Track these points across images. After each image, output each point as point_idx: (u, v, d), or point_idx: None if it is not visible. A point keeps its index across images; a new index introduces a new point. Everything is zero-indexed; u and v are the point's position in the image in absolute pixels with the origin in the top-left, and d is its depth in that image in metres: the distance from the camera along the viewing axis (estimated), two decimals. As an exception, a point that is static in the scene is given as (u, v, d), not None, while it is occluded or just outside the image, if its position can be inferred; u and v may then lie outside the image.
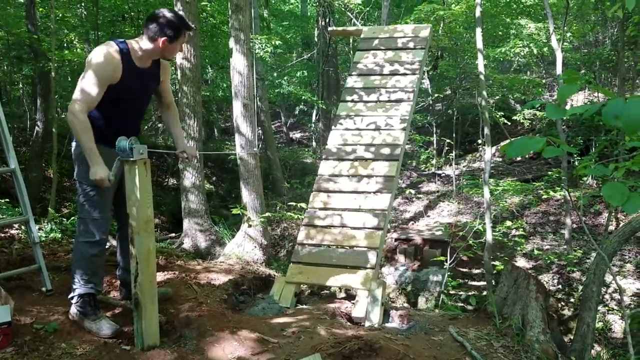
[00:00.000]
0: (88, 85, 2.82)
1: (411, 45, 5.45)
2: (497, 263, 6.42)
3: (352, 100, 5.17)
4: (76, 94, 2.82)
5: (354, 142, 4.86)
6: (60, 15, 10.90)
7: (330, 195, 4.58)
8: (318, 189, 4.66)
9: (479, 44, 5.87)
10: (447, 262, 6.38)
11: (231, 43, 6.22)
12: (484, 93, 6.05)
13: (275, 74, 15.15)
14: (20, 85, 13.87)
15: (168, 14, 2.95)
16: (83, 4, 12.17)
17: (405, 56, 5.37)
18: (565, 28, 7.82)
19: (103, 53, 2.86)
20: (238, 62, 6.17)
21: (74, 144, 3.01)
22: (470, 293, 6.72)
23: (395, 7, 15.36)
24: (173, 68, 7.89)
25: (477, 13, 5.88)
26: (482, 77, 5.76)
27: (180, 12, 6.61)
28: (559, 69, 6.33)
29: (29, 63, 9.99)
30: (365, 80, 5.30)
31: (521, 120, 11.55)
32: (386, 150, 4.69)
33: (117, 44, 2.93)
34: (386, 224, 4.35)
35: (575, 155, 9.03)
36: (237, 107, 6.31)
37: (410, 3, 14.80)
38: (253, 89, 6.32)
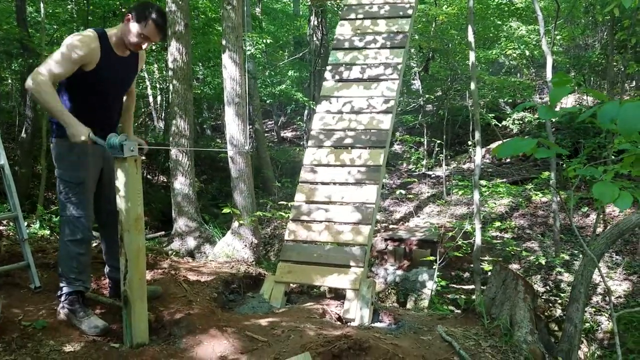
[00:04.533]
0: (57, 58, 2.74)
1: (396, 12, 5.07)
2: (485, 264, 6.47)
3: (336, 80, 4.86)
4: (42, 65, 2.73)
5: (337, 127, 4.58)
6: (51, 10, 10.81)
7: (315, 188, 4.43)
8: (303, 180, 4.48)
9: (470, 37, 5.78)
10: (436, 262, 6.42)
11: (223, 41, 6.20)
12: (476, 95, 6.08)
13: (267, 73, 15.13)
14: (9, 81, 13.72)
15: (150, 2, 2.95)
16: (73, 0, 12.07)
17: (390, 27, 4.99)
18: (555, 31, 7.88)
19: (81, 34, 2.85)
20: (229, 61, 6.15)
21: (53, 140, 2.97)
22: (459, 293, 6.76)
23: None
24: (164, 65, 7.85)
25: (470, 2, 5.86)
26: (473, 85, 5.74)
27: (172, 7, 6.58)
28: (549, 72, 6.39)
29: (18, 59, 9.89)
30: (349, 56, 4.95)
31: (510, 125, 11.65)
32: (371, 137, 4.45)
33: (95, 30, 2.92)
34: (374, 218, 4.25)
35: (564, 158, 9.12)
36: (228, 106, 6.30)
37: None
38: (244, 87, 6.30)
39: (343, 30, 5.14)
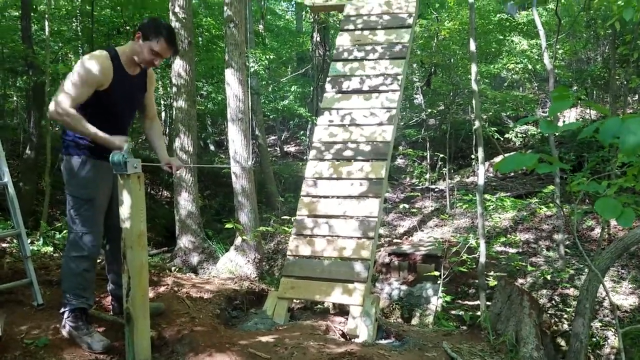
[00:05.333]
0: (75, 82, 2.78)
1: (396, 23, 5.02)
2: (490, 279, 6.42)
3: (336, 91, 4.82)
4: (62, 91, 2.77)
5: (338, 139, 4.55)
6: (56, 28, 10.93)
7: (317, 201, 4.38)
8: (305, 193, 4.44)
9: (472, 47, 5.71)
10: (440, 277, 6.37)
11: (226, 58, 6.25)
12: (478, 109, 6.08)
13: (270, 89, 15.22)
14: (15, 98, 13.84)
15: (155, 18, 3.02)
16: (79, 18, 12.21)
17: (390, 37, 4.97)
18: (557, 46, 7.92)
19: (95, 56, 2.88)
20: (232, 78, 6.19)
21: (64, 157, 2.99)
22: (464, 309, 6.71)
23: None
24: (168, 82, 7.91)
25: (472, 16, 5.88)
26: (475, 96, 5.72)
27: (176, 25, 6.65)
28: (551, 86, 6.40)
29: (23, 76, 9.99)
30: (348, 67, 4.92)
31: (513, 138, 11.65)
32: (373, 149, 4.42)
33: (107, 50, 2.95)
34: (376, 233, 4.20)
35: (568, 171, 9.10)
36: (232, 122, 6.33)
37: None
38: (247, 103, 6.33)
39: (342, 41, 5.11)
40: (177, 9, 6.66)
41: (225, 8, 6.20)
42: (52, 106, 2.76)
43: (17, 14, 10.90)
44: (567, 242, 7.69)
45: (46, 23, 7.52)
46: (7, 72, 11.36)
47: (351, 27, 5.16)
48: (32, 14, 9.76)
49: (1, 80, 12.19)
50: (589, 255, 7.18)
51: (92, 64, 2.82)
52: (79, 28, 12.23)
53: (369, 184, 4.31)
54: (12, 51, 10.04)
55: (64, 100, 2.74)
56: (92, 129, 2.78)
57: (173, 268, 6.10)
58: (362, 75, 4.83)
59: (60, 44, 11.80)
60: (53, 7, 10.18)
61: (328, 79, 4.94)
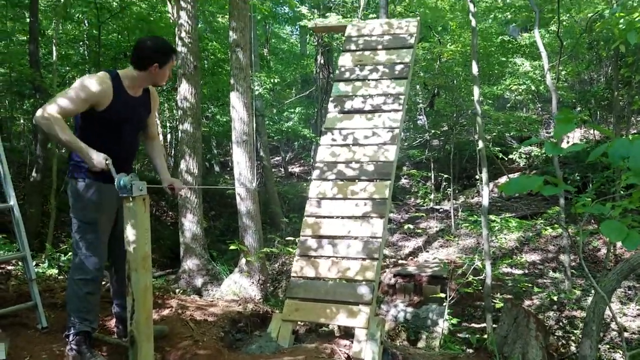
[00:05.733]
0: (69, 93, 2.80)
1: (398, 44, 5.04)
2: (497, 300, 6.37)
3: (339, 111, 4.82)
4: (53, 99, 2.78)
5: (341, 159, 4.54)
6: (63, 52, 11.10)
7: (321, 222, 4.35)
8: (308, 213, 4.41)
9: (475, 70, 5.74)
10: (446, 299, 6.33)
11: (231, 82, 6.32)
12: (482, 131, 6.11)
13: (274, 110, 15.35)
14: (21, 121, 13.98)
15: (152, 42, 3.01)
16: (86, 42, 12.41)
17: (391, 57, 4.98)
18: (560, 67, 7.97)
19: (95, 75, 2.93)
20: (238, 101, 6.25)
21: (70, 180, 3.01)
22: (470, 331, 6.64)
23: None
24: (174, 104, 7.98)
25: (474, 40, 5.92)
26: (478, 119, 5.74)
27: (183, 50, 6.75)
28: (554, 108, 6.43)
29: (30, 99, 10.11)
30: (350, 87, 4.93)
31: (517, 159, 11.65)
32: (376, 168, 4.40)
33: (108, 71, 2.99)
34: (381, 253, 4.17)
35: (573, 192, 9.07)
36: (237, 145, 6.37)
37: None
38: (252, 126, 6.39)
39: (344, 61, 5.13)
40: (183, 34, 6.77)
41: (230, 33, 6.29)
42: (37, 113, 2.74)
43: (24, 38, 11.10)
44: (573, 264, 7.63)
45: (54, 48, 7.64)
46: (15, 96, 11.50)
47: (353, 47, 5.19)
48: (39, 39, 9.94)
49: (8, 103, 12.35)
50: (595, 276, 7.13)
51: (91, 81, 2.86)
52: (86, 52, 12.43)
53: (372, 204, 4.29)
54: (19, 75, 10.17)
55: (51, 105, 2.74)
56: (73, 137, 2.76)
57: (177, 290, 6.09)
58: (364, 95, 4.84)
59: (67, 68, 11.97)
60: (60, 32, 10.35)
61: (331, 99, 4.94)
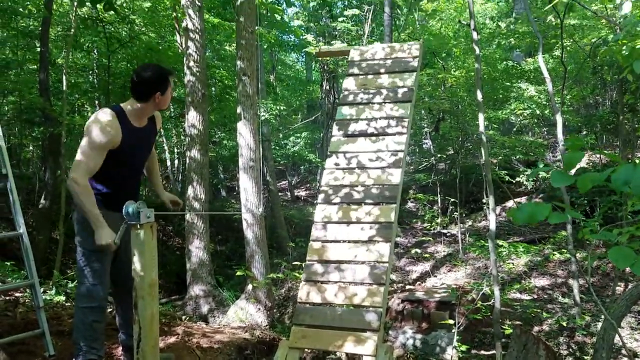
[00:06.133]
0: (88, 151, 2.86)
1: (401, 67, 5.03)
2: (506, 327, 6.30)
3: (343, 134, 4.78)
4: (76, 161, 2.86)
5: (345, 182, 4.51)
6: (73, 80, 11.29)
7: (327, 246, 4.31)
8: (314, 238, 4.37)
9: (479, 97, 5.74)
10: (455, 325, 6.26)
11: (238, 109, 6.41)
12: (487, 159, 6.12)
13: (280, 135, 15.47)
14: (30, 148, 14.16)
15: (149, 72, 3.03)
16: (95, 71, 12.62)
17: (395, 80, 4.97)
18: (564, 92, 8.01)
19: (101, 119, 2.93)
20: (245, 128, 6.32)
21: (75, 208, 3.04)
22: (480, 358, 6.55)
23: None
24: (182, 131, 8.06)
25: (478, 66, 5.96)
26: (484, 146, 5.73)
27: (191, 79, 6.86)
28: (559, 133, 6.44)
29: (40, 127, 10.26)
30: (354, 110, 4.91)
31: (524, 182, 11.63)
32: (381, 192, 4.37)
33: (111, 108, 3.02)
34: (388, 278, 4.11)
35: (581, 216, 9.02)
36: (243, 170, 6.42)
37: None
38: (259, 152, 6.44)
39: (348, 85, 5.13)
40: (191, 64, 6.89)
41: (238, 62, 6.40)
42: (70, 180, 2.84)
43: (35, 67, 11.32)
44: (583, 288, 7.55)
45: (64, 78, 7.79)
46: (24, 123, 11.67)
47: (356, 71, 5.19)
48: (49, 67, 10.14)
49: (18, 131, 12.53)
50: (604, 302, 7.04)
51: (101, 129, 2.89)
52: (95, 80, 12.63)
53: (378, 228, 4.25)
54: (29, 103, 10.34)
55: (79, 173, 2.83)
56: (95, 209, 2.84)
57: (183, 317, 6.07)
58: (368, 118, 4.82)
59: (76, 95, 12.15)
60: (70, 61, 10.56)
61: (335, 122, 4.95)
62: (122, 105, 3.07)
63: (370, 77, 5.11)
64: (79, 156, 2.88)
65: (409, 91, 4.89)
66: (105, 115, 2.96)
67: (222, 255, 12.46)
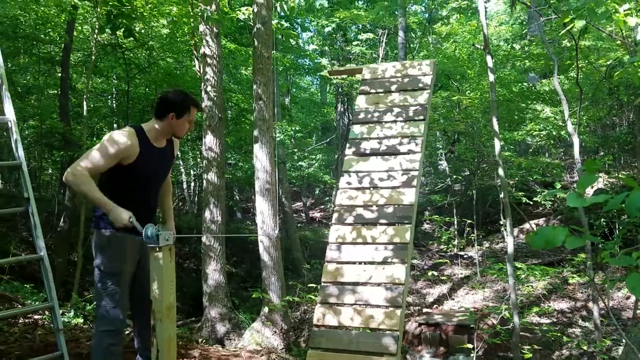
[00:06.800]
0: (96, 152, 2.91)
1: (413, 85, 5.02)
2: (526, 351, 6.18)
3: (356, 154, 4.76)
4: (83, 157, 2.90)
5: (359, 202, 4.48)
6: (92, 105, 11.54)
7: (342, 267, 4.27)
8: (329, 259, 4.34)
9: (495, 126, 5.73)
10: (474, 349, 6.17)
11: (255, 132, 6.48)
12: (503, 176, 6.09)
13: (295, 157, 15.57)
14: (50, 171, 14.41)
15: (173, 94, 3.16)
16: (114, 96, 12.89)
17: (407, 99, 4.94)
18: (581, 113, 7.97)
19: (120, 131, 3.03)
20: (261, 151, 6.39)
21: (94, 231, 3.06)
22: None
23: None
24: (198, 153, 8.15)
25: (492, 95, 5.96)
26: (501, 170, 5.67)
27: (208, 103, 6.98)
28: (576, 154, 6.41)
29: (60, 151, 10.47)
30: (367, 129, 4.89)
31: (542, 202, 11.50)
32: (395, 212, 4.32)
33: (132, 126, 3.10)
34: (404, 300, 4.07)
35: (599, 237, 8.89)
36: (260, 193, 6.46)
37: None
38: (275, 174, 6.49)
39: (360, 103, 5.12)
40: (209, 89, 7.02)
41: (254, 86, 6.50)
42: (67, 172, 2.86)
43: (55, 92, 11.60)
44: (603, 312, 7.40)
45: (84, 103, 7.98)
46: (44, 147, 11.92)
47: (367, 89, 5.18)
48: (69, 92, 10.39)
49: (37, 154, 12.78)
50: (625, 326, 6.89)
51: (119, 137, 2.96)
52: (114, 104, 12.89)
53: (393, 249, 4.20)
54: (50, 127, 10.57)
55: (81, 164, 2.86)
56: (98, 193, 2.84)
57: (200, 339, 6.07)
58: (380, 136, 4.79)
59: (95, 119, 12.40)
60: (90, 86, 10.81)
61: (348, 142, 4.93)
62: (143, 125, 3.16)
63: (381, 95, 5.09)
64: (84, 154, 2.93)
65: (422, 109, 4.84)
66: (125, 129, 3.07)
67: (238, 277, 12.46)
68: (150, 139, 3.10)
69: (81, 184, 2.83)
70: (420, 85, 5.02)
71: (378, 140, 4.80)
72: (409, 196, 4.40)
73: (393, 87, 5.09)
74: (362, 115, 5.04)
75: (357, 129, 4.97)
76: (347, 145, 4.92)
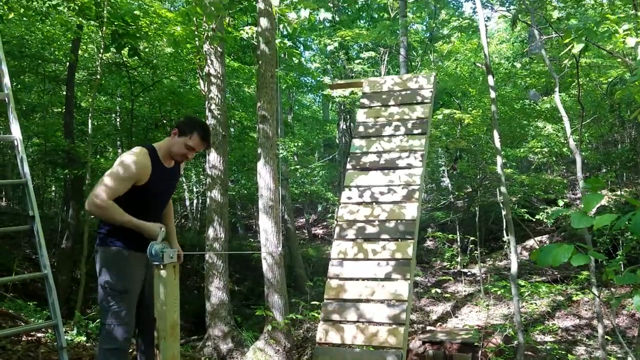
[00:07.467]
0: (113, 177, 2.93)
1: (412, 98, 5.01)
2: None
3: (357, 167, 4.75)
4: (101, 184, 2.92)
5: (360, 217, 4.44)
6: (96, 123, 11.62)
7: (344, 284, 4.23)
8: (331, 275, 4.30)
9: (497, 142, 5.79)
10: (477, 367, 6.12)
11: (258, 150, 6.51)
12: (506, 193, 6.10)
13: (298, 174, 15.61)
14: (53, 188, 14.46)
15: (193, 117, 3.27)
16: (119, 114, 12.98)
17: (408, 113, 4.93)
18: (582, 130, 8.00)
19: (135, 153, 3.03)
20: (264, 169, 6.41)
21: (99, 248, 3.05)
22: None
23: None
24: (201, 170, 8.18)
25: (494, 108, 6.00)
26: (503, 188, 5.71)
27: (212, 122, 7.03)
28: (579, 171, 6.42)
29: (65, 169, 10.52)
30: (367, 142, 4.87)
31: (545, 220, 11.49)
32: (397, 226, 4.29)
33: (145, 147, 3.11)
34: (407, 318, 4.03)
35: (603, 254, 8.84)
36: (263, 210, 6.47)
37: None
38: (278, 192, 6.51)
39: (361, 118, 5.11)
40: (213, 107, 7.08)
41: (258, 104, 6.55)
42: (90, 198, 2.89)
43: (60, 110, 11.69)
44: (608, 329, 7.35)
45: (89, 121, 8.04)
46: (48, 164, 11.98)
47: (368, 103, 5.19)
48: (74, 111, 10.47)
49: (41, 172, 12.84)
50: (630, 344, 6.84)
51: (132, 160, 2.97)
52: (118, 123, 12.98)
53: (395, 265, 4.17)
54: (54, 145, 10.63)
55: (101, 192, 2.88)
56: (128, 217, 2.90)
57: (203, 358, 6.03)
58: (379, 150, 4.78)
59: (99, 137, 12.48)
60: (95, 105, 10.91)
61: (349, 157, 4.91)
62: (154, 145, 3.18)
63: (382, 109, 5.08)
64: (103, 178, 2.95)
65: (421, 122, 4.83)
66: (139, 150, 3.06)
67: (240, 294, 12.41)
68: (161, 159, 3.13)
69: (108, 214, 2.90)
70: (420, 98, 5.01)
71: (377, 154, 4.79)
72: (411, 211, 4.38)
73: (393, 101, 5.09)
74: (362, 129, 5.04)
75: (357, 143, 4.96)
76: (348, 159, 4.91)
